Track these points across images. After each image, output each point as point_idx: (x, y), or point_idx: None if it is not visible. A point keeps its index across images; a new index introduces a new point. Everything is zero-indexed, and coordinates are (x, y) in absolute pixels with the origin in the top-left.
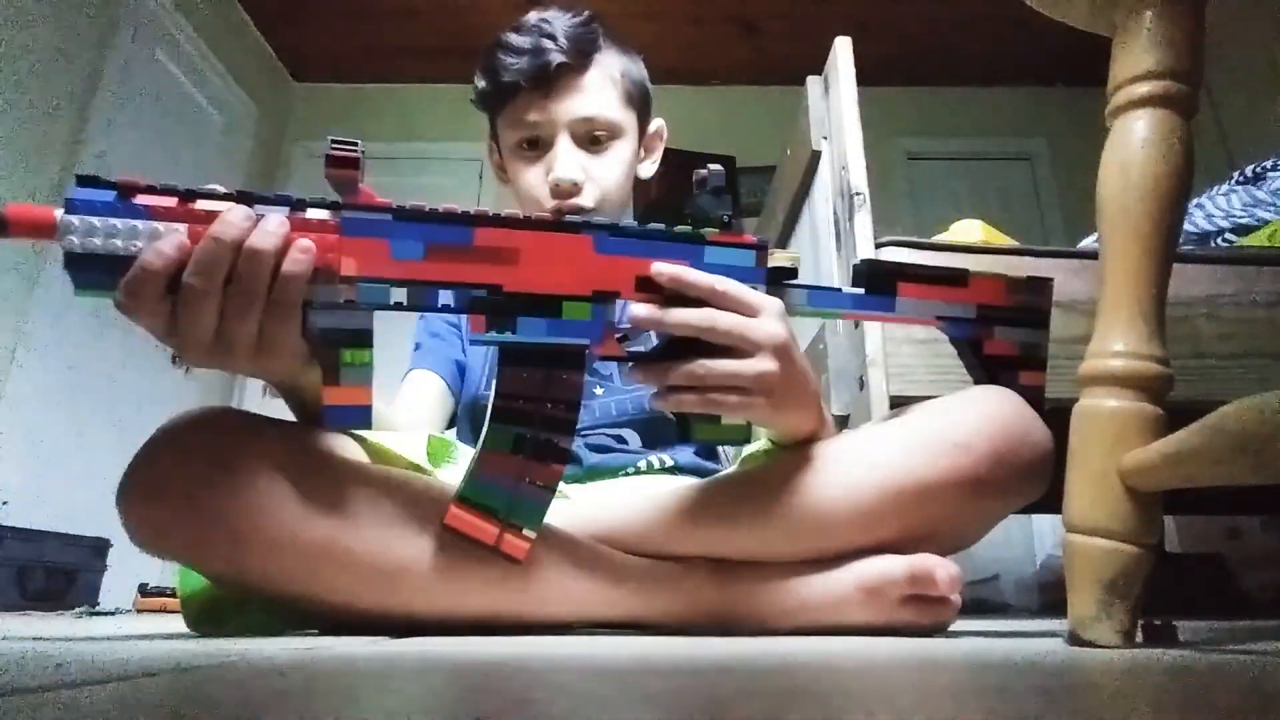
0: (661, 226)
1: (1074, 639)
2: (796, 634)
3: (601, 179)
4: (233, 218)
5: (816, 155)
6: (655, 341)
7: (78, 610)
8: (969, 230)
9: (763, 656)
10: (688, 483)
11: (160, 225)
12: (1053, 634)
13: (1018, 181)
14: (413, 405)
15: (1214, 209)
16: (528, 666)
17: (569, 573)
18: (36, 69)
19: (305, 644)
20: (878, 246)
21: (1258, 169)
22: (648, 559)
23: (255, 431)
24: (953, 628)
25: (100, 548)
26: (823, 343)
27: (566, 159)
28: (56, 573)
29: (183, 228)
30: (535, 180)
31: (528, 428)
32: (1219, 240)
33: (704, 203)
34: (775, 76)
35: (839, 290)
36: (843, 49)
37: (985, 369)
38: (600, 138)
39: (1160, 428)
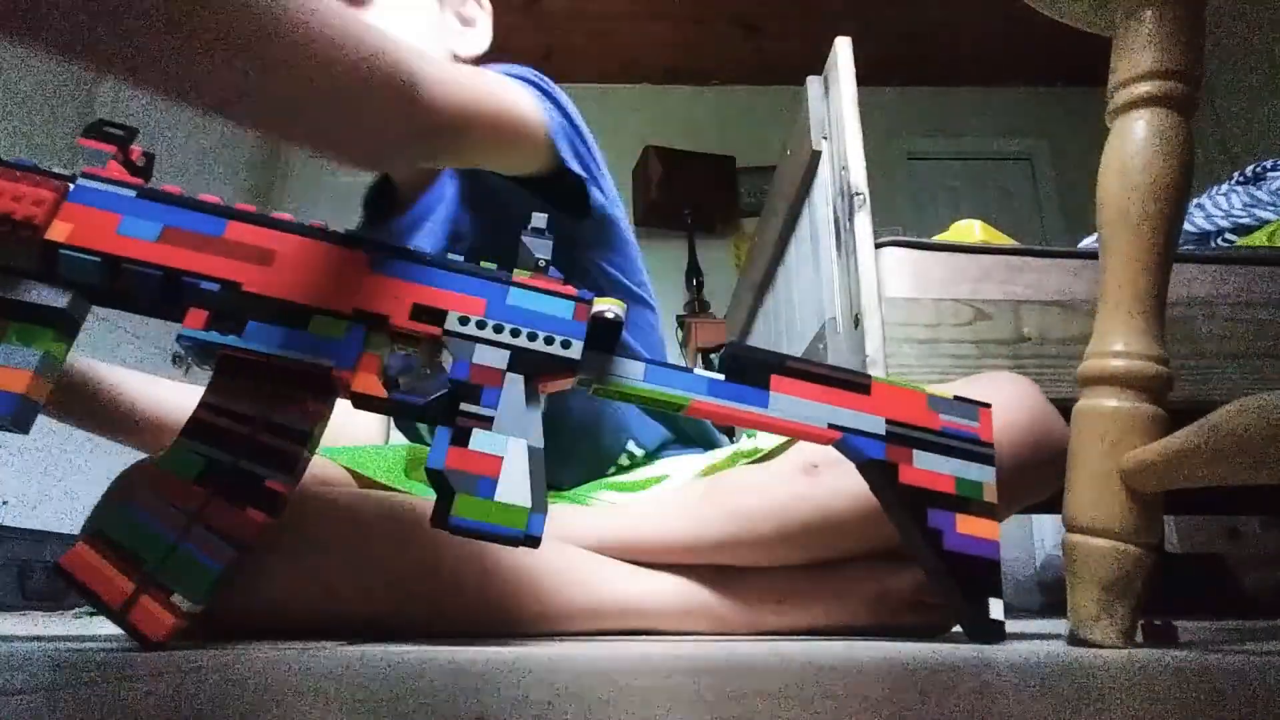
0: (460, 259)
1: (1074, 639)
2: (794, 636)
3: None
4: None
5: (816, 155)
6: (438, 391)
7: (78, 610)
8: (969, 230)
9: (763, 657)
10: (683, 489)
11: None
12: (1053, 634)
13: (1018, 181)
14: (344, 438)
15: (1214, 209)
16: (528, 666)
17: (562, 583)
18: (37, 70)
19: (305, 644)
20: (878, 246)
21: (1258, 169)
22: (649, 566)
23: None
24: (953, 628)
25: None
26: (823, 342)
27: None
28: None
29: None
30: None
31: (227, 453)
32: (1219, 240)
33: (527, 240)
34: (775, 76)
35: (688, 370)
36: (843, 49)
37: (903, 506)
38: None
39: (1160, 428)
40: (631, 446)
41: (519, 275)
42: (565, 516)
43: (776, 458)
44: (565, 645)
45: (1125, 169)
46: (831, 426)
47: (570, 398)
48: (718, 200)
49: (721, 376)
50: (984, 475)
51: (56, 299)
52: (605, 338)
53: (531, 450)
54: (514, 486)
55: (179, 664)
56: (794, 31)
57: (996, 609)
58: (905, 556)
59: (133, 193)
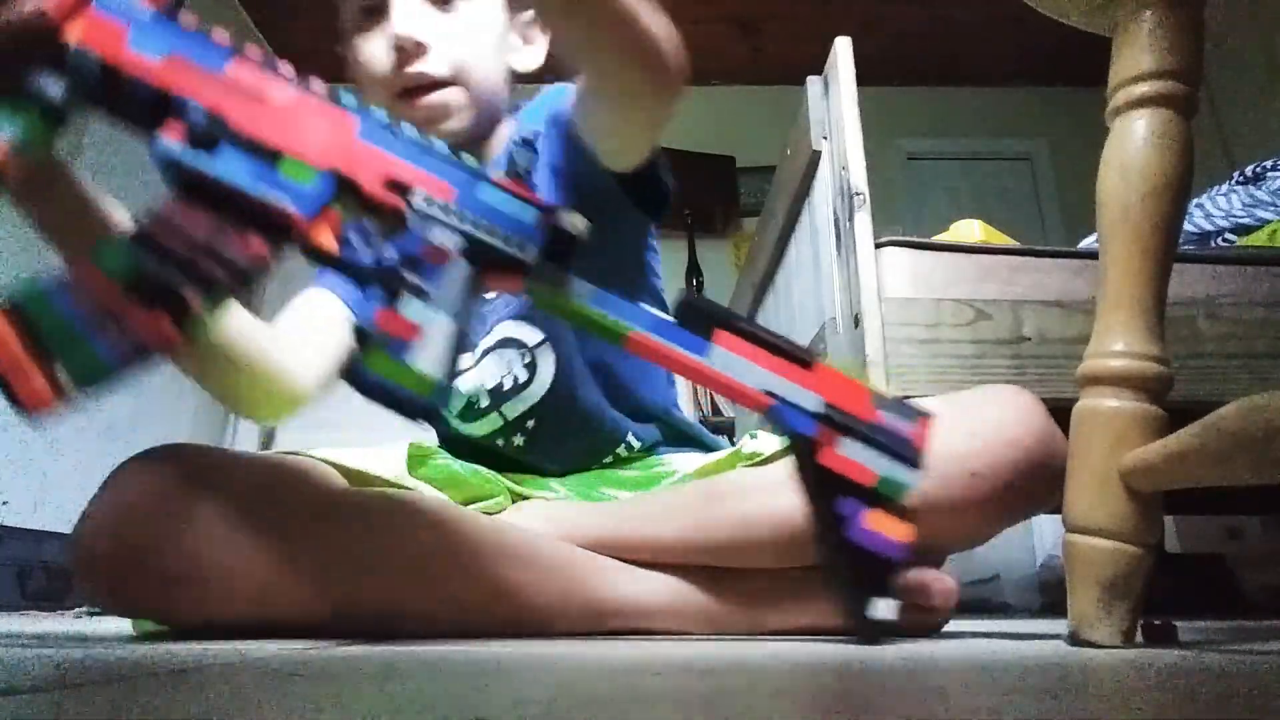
0: (444, 145)
1: (1074, 639)
2: (791, 635)
3: (455, 43)
4: None
5: (816, 155)
6: (387, 259)
7: (78, 610)
8: (969, 230)
9: (761, 657)
10: (682, 491)
11: None
12: (1053, 634)
13: (1018, 181)
14: (296, 324)
15: (1214, 209)
16: (528, 666)
17: (561, 581)
18: None
19: (305, 644)
20: (878, 246)
21: (1258, 169)
22: (641, 565)
23: (206, 482)
24: (954, 628)
25: None
26: (823, 342)
27: (404, 12)
28: (56, 573)
29: None
30: (375, 52)
31: (158, 265)
32: (1219, 240)
33: (514, 150)
34: (775, 76)
35: (637, 305)
36: (843, 49)
37: (817, 485)
38: None
39: (1160, 428)
40: (631, 439)
41: (495, 175)
42: (564, 515)
43: (776, 463)
44: (565, 645)
45: (1125, 169)
46: (765, 392)
47: (577, 385)
48: (718, 200)
49: (671, 319)
50: (910, 479)
51: (53, 89)
52: (562, 250)
53: (456, 334)
54: (430, 358)
55: (177, 664)
56: (794, 31)
57: (884, 609)
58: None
59: (149, 14)
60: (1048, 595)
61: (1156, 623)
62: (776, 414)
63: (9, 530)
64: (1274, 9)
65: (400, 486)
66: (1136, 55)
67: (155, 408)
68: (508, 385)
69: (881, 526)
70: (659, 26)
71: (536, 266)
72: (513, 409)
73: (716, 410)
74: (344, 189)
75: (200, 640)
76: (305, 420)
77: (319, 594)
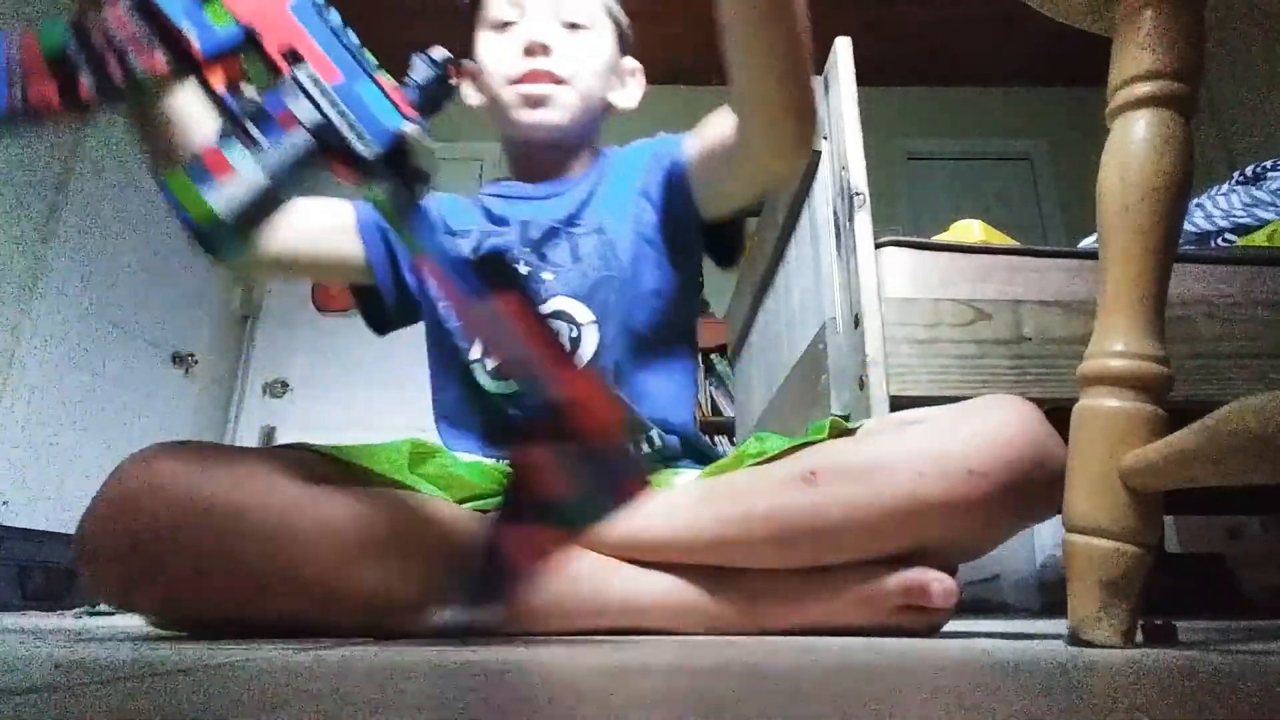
0: (355, 38)
1: (1074, 639)
2: (793, 635)
3: (576, 57)
4: None
5: (816, 155)
6: (249, 109)
7: (78, 610)
8: (969, 230)
9: (763, 657)
10: (685, 489)
11: None
12: (1053, 634)
13: (1018, 181)
14: (296, 209)
15: (1214, 209)
16: (528, 667)
17: (560, 579)
18: None
19: (305, 644)
20: (878, 246)
21: (1258, 169)
22: (642, 566)
23: (217, 472)
24: (954, 628)
25: None
26: (823, 342)
27: (539, 20)
28: (56, 573)
29: None
30: (504, 49)
31: (77, 51)
32: (1219, 240)
33: (417, 57)
34: None
35: (436, 235)
36: (843, 49)
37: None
38: (577, 24)
39: (1160, 428)
40: (655, 435)
41: (381, 76)
42: None
43: (778, 461)
44: (565, 645)
45: (1125, 169)
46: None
47: (612, 369)
48: None
49: (469, 263)
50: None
51: None
52: (399, 162)
53: (265, 192)
54: (224, 195)
55: (177, 664)
56: None
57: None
58: (901, 562)
59: None
60: (1048, 595)
61: (1156, 623)
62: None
63: (9, 530)
64: (1274, 9)
65: (400, 484)
66: (1136, 55)
67: (155, 408)
68: None
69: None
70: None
71: (372, 166)
72: None
73: (716, 410)
74: (250, 43)
75: (200, 640)
76: (306, 422)
77: (326, 591)
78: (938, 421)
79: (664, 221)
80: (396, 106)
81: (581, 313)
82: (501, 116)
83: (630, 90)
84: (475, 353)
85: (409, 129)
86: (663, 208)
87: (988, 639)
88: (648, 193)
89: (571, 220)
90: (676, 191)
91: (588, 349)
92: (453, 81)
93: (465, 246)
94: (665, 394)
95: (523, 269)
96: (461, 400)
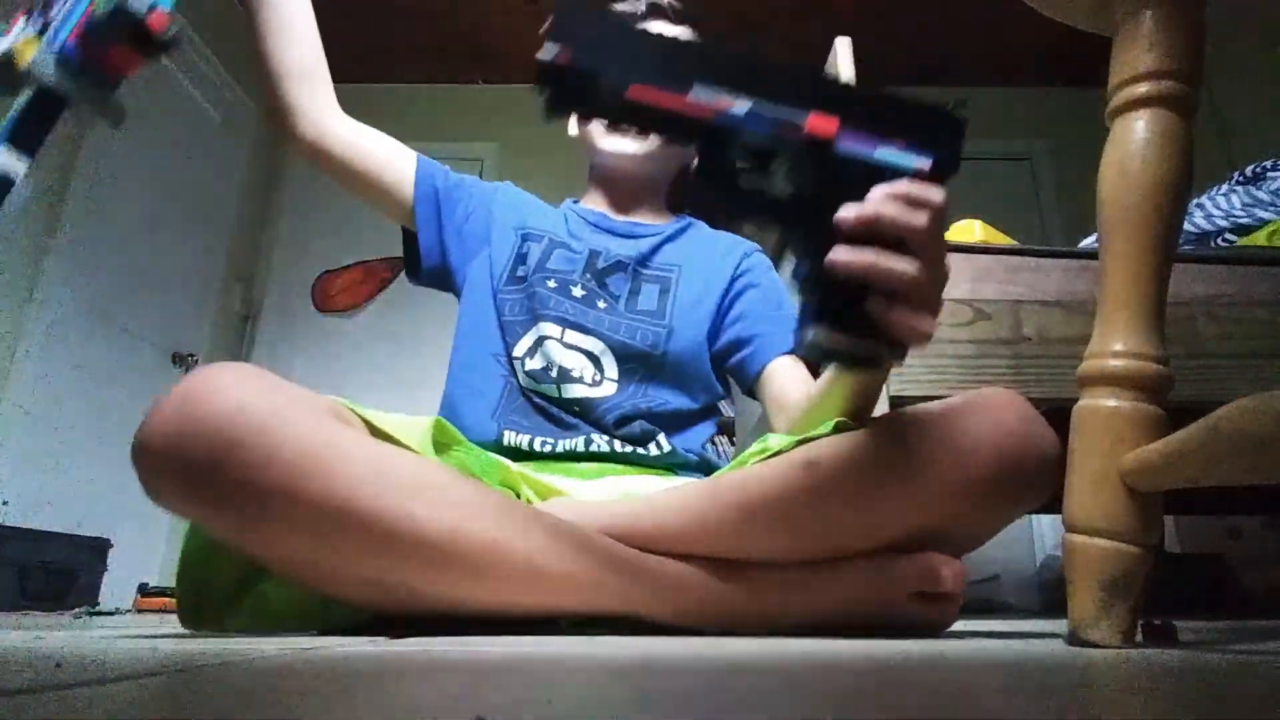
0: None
1: (1074, 639)
2: (801, 631)
3: None
4: None
5: None
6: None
7: (78, 610)
8: (969, 230)
9: (762, 655)
10: (691, 483)
11: None
12: (1053, 634)
13: (1018, 181)
14: (376, 136)
15: (1214, 209)
16: (528, 667)
17: (569, 555)
18: None
19: (305, 644)
20: None
21: (1258, 169)
22: (651, 553)
23: (280, 391)
24: (954, 627)
25: (100, 548)
26: None
27: None
28: (56, 573)
29: None
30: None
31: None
32: (1219, 240)
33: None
34: None
35: None
36: (843, 49)
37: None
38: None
39: (1160, 428)
40: (661, 439)
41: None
42: (579, 508)
43: (780, 456)
44: (565, 645)
45: (1125, 169)
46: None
47: (628, 400)
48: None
49: None
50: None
51: None
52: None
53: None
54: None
55: (177, 664)
56: (794, 31)
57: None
58: (907, 550)
59: None
60: (1048, 595)
61: (1156, 623)
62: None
63: (9, 530)
64: (1274, 10)
65: None
66: (1136, 55)
67: None
68: (575, 374)
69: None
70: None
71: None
72: (571, 389)
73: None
74: None
75: (199, 639)
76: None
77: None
78: (931, 414)
79: (713, 325)
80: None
81: (609, 367)
82: (588, 141)
83: None
84: (520, 349)
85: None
86: (716, 316)
87: (988, 639)
88: (720, 290)
89: (642, 261)
90: (721, 353)
91: (604, 391)
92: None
93: (535, 250)
94: (685, 426)
95: (578, 291)
96: (484, 391)
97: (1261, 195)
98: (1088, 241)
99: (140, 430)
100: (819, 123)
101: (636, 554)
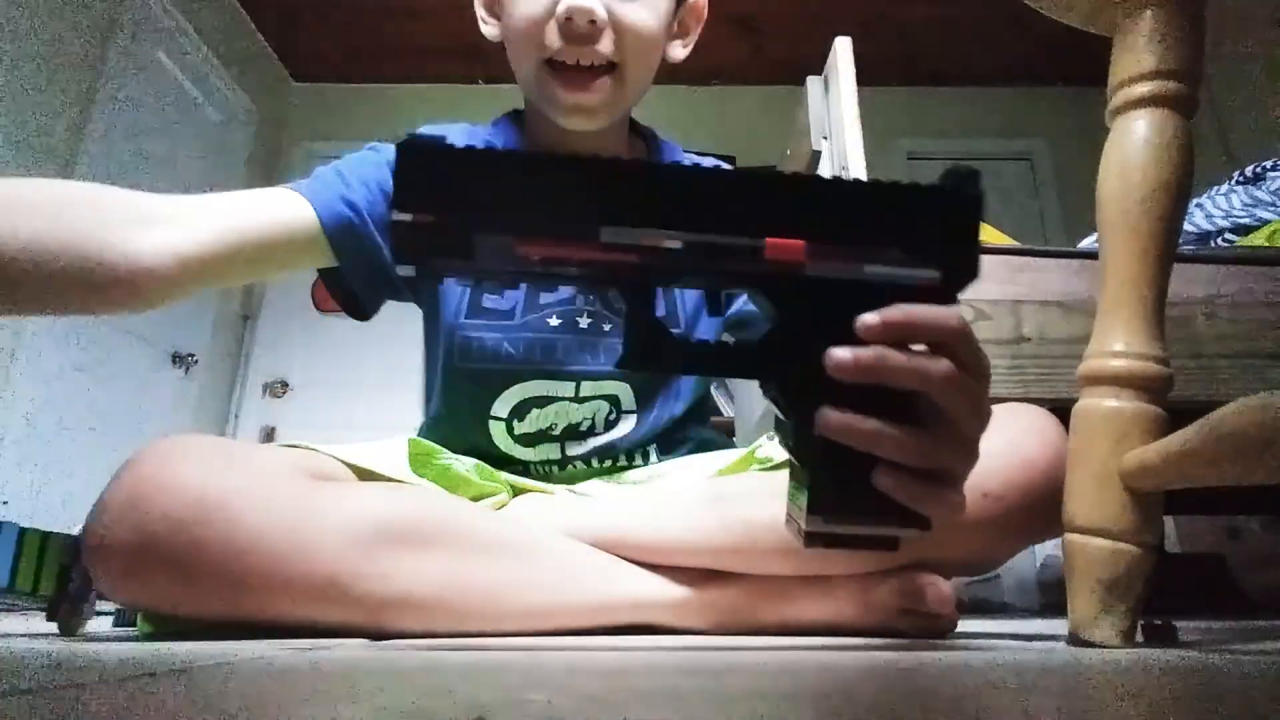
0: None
1: (1074, 639)
2: (795, 632)
3: (631, 28)
4: None
5: (816, 155)
6: None
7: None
8: None
9: (762, 659)
10: (691, 491)
11: None
12: (1053, 634)
13: (1018, 181)
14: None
15: (1214, 209)
16: (528, 667)
17: (567, 572)
18: (37, 68)
19: (305, 644)
20: None
21: (1258, 169)
22: (645, 565)
23: (232, 469)
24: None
25: None
26: None
27: None
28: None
29: None
30: (535, 10)
31: None
32: (1219, 240)
33: None
34: (775, 76)
35: None
36: (843, 49)
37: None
38: None
39: (1160, 428)
40: (653, 449)
41: None
42: (567, 511)
43: (785, 472)
44: (565, 645)
45: (1125, 169)
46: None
47: (639, 443)
48: None
49: None
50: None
51: None
52: None
53: None
54: None
55: (177, 664)
56: (794, 31)
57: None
58: (902, 569)
59: None
60: (1048, 595)
61: (1156, 623)
62: None
63: None
64: (1274, 10)
65: (399, 482)
66: (1136, 55)
67: (155, 408)
68: (585, 427)
69: None
70: None
71: None
72: (576, 448)
73: (716, 411)
74: None
75: (201, 640)
76: (306, 422)
77: (340, 591)
78: None
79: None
80: None
81: (625, 397)
82: (526, 85)
83: (690, 37)
84: (500, 409)
85: None
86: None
87: (988, 639)
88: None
89: None
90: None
91: (621, 431)
92: None
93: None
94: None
95: (584, 321)
96: (462, 443)
97: (1261, 195)
98: (1088, 241)
99: (91, 528)
100: (781, 248)
101: (627, 571)
